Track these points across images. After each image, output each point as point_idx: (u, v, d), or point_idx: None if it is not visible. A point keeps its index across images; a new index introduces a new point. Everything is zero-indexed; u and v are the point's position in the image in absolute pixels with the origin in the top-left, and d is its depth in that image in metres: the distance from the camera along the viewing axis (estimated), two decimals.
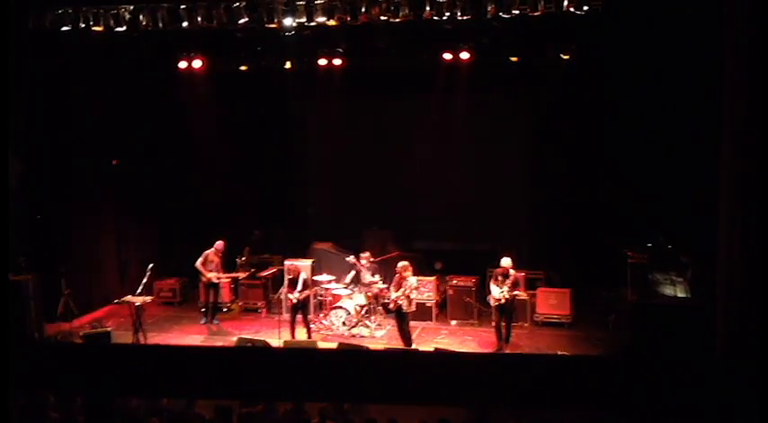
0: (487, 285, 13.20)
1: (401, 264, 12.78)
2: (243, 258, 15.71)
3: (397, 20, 11.83)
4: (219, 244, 14.17)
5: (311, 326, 13.42)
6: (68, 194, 14.48)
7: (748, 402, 4.68)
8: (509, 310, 12.68)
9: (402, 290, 12.47)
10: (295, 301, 13.13)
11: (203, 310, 14.40)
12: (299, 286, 13.18)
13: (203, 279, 14.12)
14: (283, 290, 13.44)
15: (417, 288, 13.04)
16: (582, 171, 15.43)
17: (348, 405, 8.60)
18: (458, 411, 8.07)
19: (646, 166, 14.02)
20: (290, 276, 13.38)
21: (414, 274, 12.86)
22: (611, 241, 13.71)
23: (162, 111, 16.17)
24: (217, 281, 14.06)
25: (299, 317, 13.24)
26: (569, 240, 15.13)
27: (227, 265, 15.04)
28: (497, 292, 12.48)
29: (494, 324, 12.93)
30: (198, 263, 14.00)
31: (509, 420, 7.61)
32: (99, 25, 12.35)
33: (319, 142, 17.64)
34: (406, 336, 12.67)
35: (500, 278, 12.51)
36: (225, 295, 15.19)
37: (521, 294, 13.04)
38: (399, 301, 12.48)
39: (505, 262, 12.56)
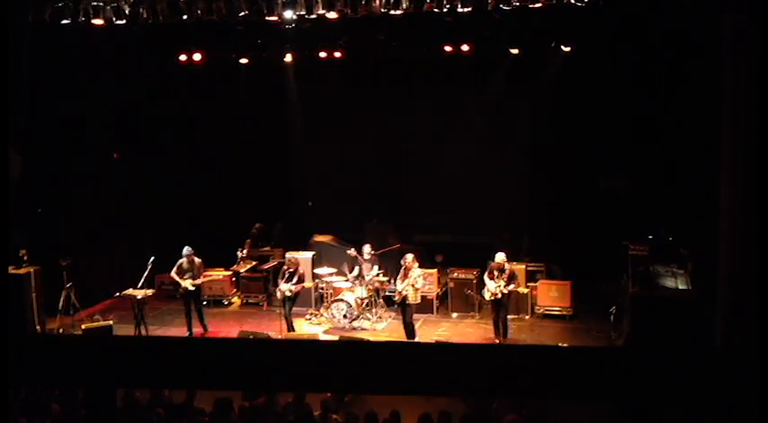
0: (481, 280, 13.21)
1: (408, 256, 12.79)
2: (244, 251, 15.71)
3: (398, 12, 11.81)
4: (186, 250, 13.25)
5: (291, 322, 13.34)
6: (69, 188, 14.49)
7: (748, 394, 4.69)
8: (505, 305, 12.63)
9: (407, 281, 12.51)
10: (288, 293, 13.12)
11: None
12: (294, 279, 13.18)
13: (180, 289, 13.36)
14: (281, 282, 13.39)
15: (423, 276, 13.06)
16: (582, 163, 15.43)
17: (350, 397, 8.63)
18: (459, 403, 8.11)
19: (646, 158, 14.02)
20: (291, 269, 13.35)
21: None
22: (611, 233, 13.71)
23: (162, 104, 16.16)
24: (192, 288, 13.24)
25: (298, 309, 13.27)
26: (570, 232, 15.13)
27: (229, 258, 15.07)
28: (493, 287, 12.46)
29: (493, 318, 12.96)
30: (173, 272, 13.35)
31: (510, 411, 7.63)
32: (99, 18, 12.33)
33: (319, 135, 17.62)
34: (408, 328, 12.69)
35: (495, 272, 12.49)
36: (226, 288, 15.22)
37: (519, 288, 13.03)
38: (404, 293, 12.52)
39: (500, 257, 12.54)
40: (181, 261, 13.27)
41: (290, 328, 13.22)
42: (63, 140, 14.17)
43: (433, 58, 14.98)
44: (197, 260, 13.31)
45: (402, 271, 12.74)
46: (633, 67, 13.69)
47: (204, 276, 13.68)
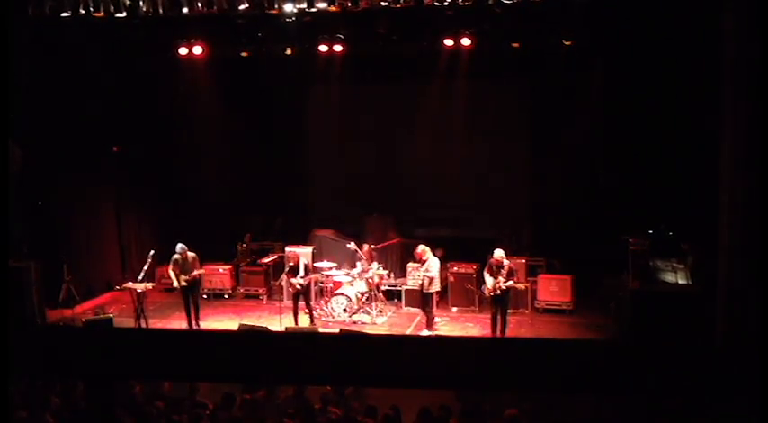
0: (481, 275, 13.23)
1: (420, 248, 12.99)
2: (244, 245, 15.71)
3: (398, 6, 11.80)
4: (179, 247, 13.07)
5: (313, 312, 13.48)
6: (69, 181, 14.49)
7: (748, 389, 4.69)
8: (504, 301, 12.58)
9: (423, 269, 12.82)
10: (298, 286, 13.17)
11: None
12: (301, 272, 13.21)
13: (176, 285, 13.24)
14: (284, 276, 13.47)
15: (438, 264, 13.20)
16: (583, 158, 15.41)
17: (350, 391, 8.64)
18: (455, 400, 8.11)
19: (647, 153, 14.00)
20: (291, 264, 13.40)
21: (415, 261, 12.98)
22: (611, 228, 13.71)
23: (162, 97, 16.14)
24: (186, 284, 13.10)
25: (301, 303, 13.29)
26: (570, 227, 15.12)
27: (229, 252, 15.02)
28: (491, 283, 12.42)
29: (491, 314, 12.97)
30: (169, 268, 13.17)
31: (510, 404, 7.63)
32: (99, 11, 12.31)
33: (319, 128, 17.60)
34: (426, 316, 12.94)
35: (494, 269, 12.47)
36: (226, 282, 15.22)
37: (517, 284, 13.00)
38: (420, 281, 12.87)
39: (498, 254, 12.48)
40: (176, 257, 13.13)
41: (311, 320, 13.35)
42: (63, 134, 14.16)
43: (434, 52, 14.94)
44: (191, 255, 13.21)
45: (419, 263, 13.04)
46: (633, 61, 13.66)
47: (203, 269, 13.68)
